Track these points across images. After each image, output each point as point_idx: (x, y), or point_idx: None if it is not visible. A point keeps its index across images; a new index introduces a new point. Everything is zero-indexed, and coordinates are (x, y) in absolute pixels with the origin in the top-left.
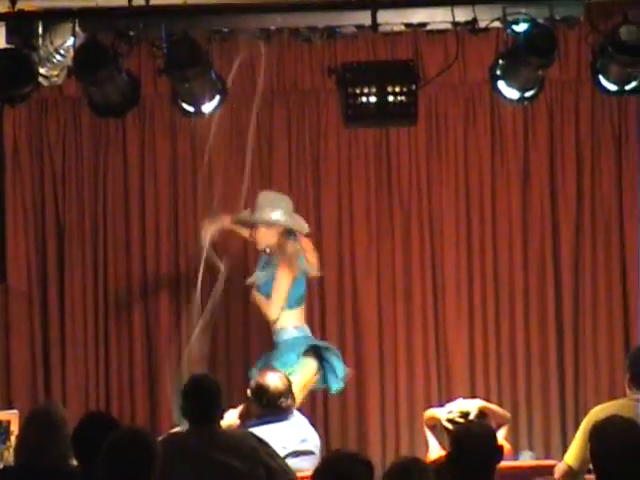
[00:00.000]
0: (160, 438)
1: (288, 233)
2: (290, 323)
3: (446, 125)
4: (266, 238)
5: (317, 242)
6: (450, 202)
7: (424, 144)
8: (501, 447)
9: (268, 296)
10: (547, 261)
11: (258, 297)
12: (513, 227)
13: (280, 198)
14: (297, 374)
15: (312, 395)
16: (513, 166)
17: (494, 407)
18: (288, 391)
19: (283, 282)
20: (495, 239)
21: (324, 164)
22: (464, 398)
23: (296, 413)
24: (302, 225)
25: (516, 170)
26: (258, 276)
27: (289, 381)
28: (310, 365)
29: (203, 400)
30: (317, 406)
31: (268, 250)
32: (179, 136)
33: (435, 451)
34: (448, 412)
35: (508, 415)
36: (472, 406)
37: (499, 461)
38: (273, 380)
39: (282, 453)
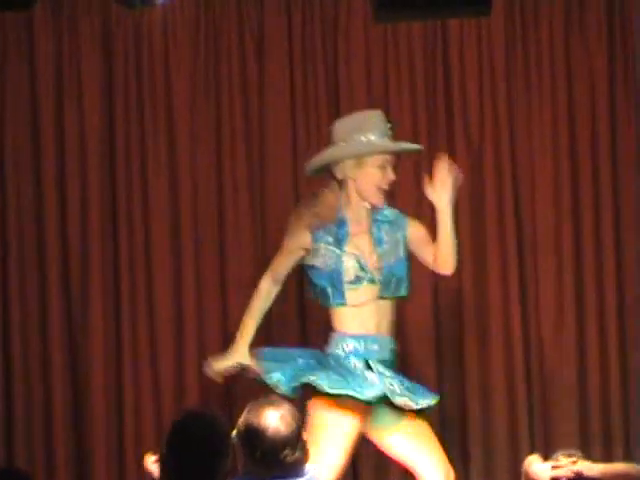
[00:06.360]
0: None
1: None
2: None
3: (536, 20)
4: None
5: None
6: (544, 143)
7: (502, 48)
8: None
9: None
10: None
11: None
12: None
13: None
14: None
15: None
16: None
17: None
18: (295, 438)
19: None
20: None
21: (344, 76)
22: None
23: (310, 469)
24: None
25: None
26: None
27: (297, 422)
28: None
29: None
30: None
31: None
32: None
33: None
34: (553, 461)
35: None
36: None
37: None
38: (273, 420)
39: None
